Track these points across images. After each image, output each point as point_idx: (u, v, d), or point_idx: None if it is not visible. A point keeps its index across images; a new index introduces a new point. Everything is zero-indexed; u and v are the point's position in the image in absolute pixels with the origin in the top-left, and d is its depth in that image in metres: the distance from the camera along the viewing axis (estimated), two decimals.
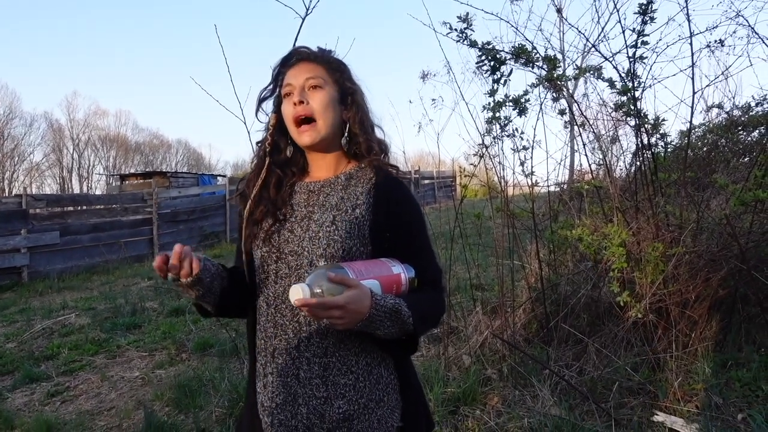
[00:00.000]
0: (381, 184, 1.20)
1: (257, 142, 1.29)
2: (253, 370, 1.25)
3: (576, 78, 3.67)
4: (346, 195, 1.20)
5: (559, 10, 4.10)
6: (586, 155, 4.05)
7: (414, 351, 1.21)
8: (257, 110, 1.28)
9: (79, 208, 10.67)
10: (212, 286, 1.14)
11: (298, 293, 0.99)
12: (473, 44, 3.36)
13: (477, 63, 3.44)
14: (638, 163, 3.57)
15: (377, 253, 1.17)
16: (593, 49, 3.59)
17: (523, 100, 3.41)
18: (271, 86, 1.25)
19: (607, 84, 3.36)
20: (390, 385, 1.18)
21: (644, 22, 3.17)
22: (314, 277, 1.02)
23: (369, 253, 1.17)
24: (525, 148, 3.57)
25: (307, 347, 1.15)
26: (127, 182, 22.26)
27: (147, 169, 38.05)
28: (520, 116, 3.46)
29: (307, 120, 1.18)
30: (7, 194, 35.55)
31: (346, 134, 1.23)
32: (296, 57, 1.22)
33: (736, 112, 4.70)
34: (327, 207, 1.20)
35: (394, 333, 1.08)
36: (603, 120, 4.15)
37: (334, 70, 1.22)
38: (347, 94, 1.22)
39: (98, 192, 39.81)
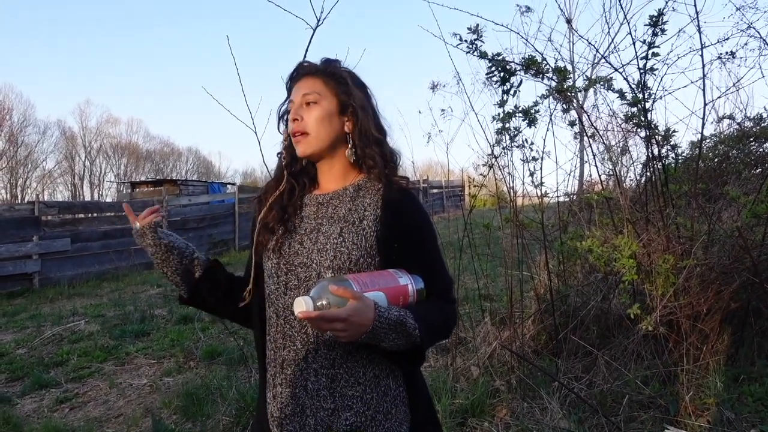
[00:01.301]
0: (388, 195, 1.20)
1: (277, 153, 1.33)
2: (264, 380, 1.26)
3: (586, 89, 3.66)
4: (353, 206, 1.21)
5: (569, 21, 4.10)
6: (596, 166, 4.03)
7: (421, 363, 1.21)
8: (278, 124, 1.32)
9: (90, 215, 10.77)
10: (169, 257, 1.28)
11: (301, 305, 1.00)
12: (483, 55, 3.37)
13: (487, 74, 3.45)
14: (648, 174, 3.56)
15: (385, 265, 1.17)
16: (603, 60, 3.58)
17: (532, 111, 3.41)
18: (287, 100, 1.28)
19: (618, 95, 3.35)
20: (398, 398, 1.18)
21: (655, 34, 3.17)
22: (318, 290, 1.02)
23: (377, 265, 1.17)
24: (534, 159, 3.56)
25: (314, 358, 1.15)
26: (137, 190, 22.50)
27: (157, 177, 38.38)
28: (530, 127, 3.46)
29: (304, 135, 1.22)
30: (19, 201, 35.95)
31: (350, 146, 1.23)
32: (299, 72, 1.25)
33: (747, 124, 4.66)
34: (335, 219, 1.20)
35: (401, 345, 1.08)
36: (613, 131, 4.14)
37: (335, 83, 1.22)
38: (346, 106, 1.22)
39: (109, 199, 40.17)
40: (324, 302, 1.00)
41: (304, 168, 1.29)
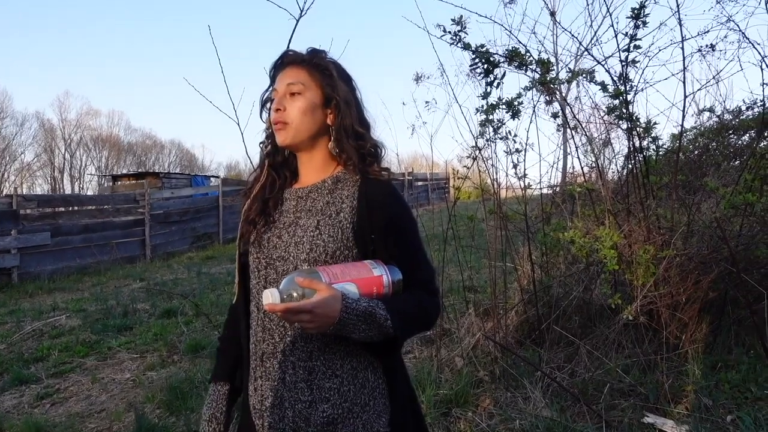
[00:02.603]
0: (366, 187, 1.20)
1: (260, 143, 1.32)
2: (248, 372, 1.26)
3: (569, 81, 3.68)
4: (331, 199, 1.20)
5: (552, 14, 4.11)
6: (578, 158, 4.08)
7: (396, 351, 1.20)
8: (261, 112, 1.30)
9: (70, 208, 10.59)
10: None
11: (267, 298, 1.00)
12: (467, 47, 3.37)
13: (470, 66, 3.46)
14: (630, 166, 3.60)
15: (364, 256, 1.16)
16: (586, 52, 3.61)
17: (516, 103, 3.42)
18: (270, 88, 1.27)
19: (600, 87, 3.38)
20: (377, 390, 1.17)
21: (637, 27, 3.20)
22: (287, 282, 1.03)
23: (355, 257, 1.17)
24: (518, 151, 3.58)
25: (292, 351, 1.15)
26: (119, 183, 22.17)
27: (139, 170, 37.88)
28: (513, 119, 3.47)
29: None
30: None
31: (332, 138, 1.22)
32: (284, 60, 1.24)
33: (726, 116, 4.73)
34: (313, 212, 1.20)
35: (373, 336, 1.08)
36: (595, 123, 4.17)
37: (320, 74, 1.21)
38: (330, 99, 1.21)
39: (90, 193, 39.60)
40: (294, 294, 1.00)
41: (286, 160, 1.29)
